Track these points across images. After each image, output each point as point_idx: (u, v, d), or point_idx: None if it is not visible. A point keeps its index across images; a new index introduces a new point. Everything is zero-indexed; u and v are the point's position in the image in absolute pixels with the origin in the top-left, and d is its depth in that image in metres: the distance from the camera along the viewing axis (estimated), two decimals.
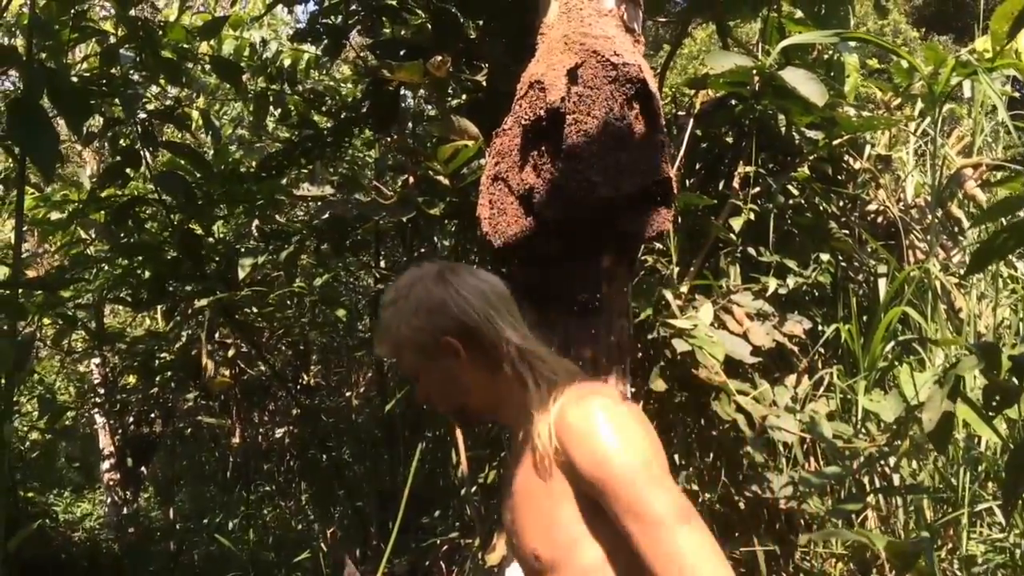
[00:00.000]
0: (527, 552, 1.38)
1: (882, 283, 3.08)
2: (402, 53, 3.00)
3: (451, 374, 1.42)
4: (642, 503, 1.22)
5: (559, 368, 1.40)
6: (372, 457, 4.39)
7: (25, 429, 4.89)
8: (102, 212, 3.57)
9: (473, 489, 3.00)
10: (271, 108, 4.09)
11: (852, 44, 3.12)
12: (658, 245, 2.82)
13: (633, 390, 2.45)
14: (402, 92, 3.32)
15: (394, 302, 1.42)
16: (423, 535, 3.41)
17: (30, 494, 4.55)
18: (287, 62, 4.21)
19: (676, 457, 2.92)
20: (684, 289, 2.74)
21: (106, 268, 3.84)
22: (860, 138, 3.26)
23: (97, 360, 5.01)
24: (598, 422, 1.28)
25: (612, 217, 2.03)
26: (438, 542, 3.30)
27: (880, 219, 3.36)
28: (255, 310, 3.84)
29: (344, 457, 4.59)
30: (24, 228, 3.08)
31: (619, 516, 1.24)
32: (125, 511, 4.81)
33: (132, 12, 3.04)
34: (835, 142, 3.08)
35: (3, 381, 2.74)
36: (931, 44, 3.08)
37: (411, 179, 2.91)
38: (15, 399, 3.57)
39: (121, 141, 3.51)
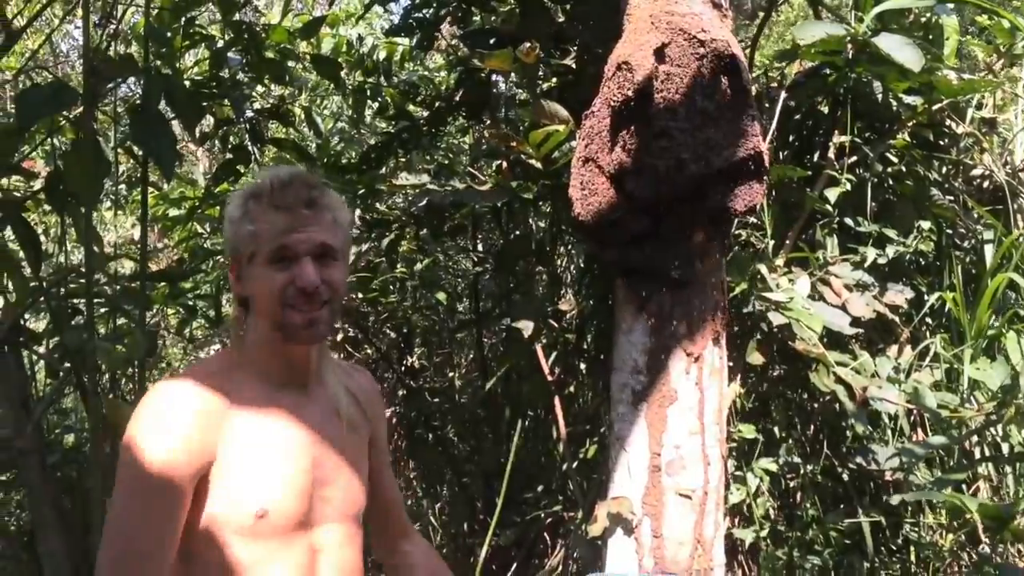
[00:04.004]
0: (357, 509, 1.52)
1: (988, 249, 2.99)
2: (492, 41, 3.07)
3: (345, 274, 1.46)
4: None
5: None
6: (476, 435, 4.51)
7: None
8: (217, 207, 3.78)
9: (574, 464, 3.07)
10: (369, 101, 4.24)
11: (951, 5, 3.02)
12: (752, 219, 2.81)
13: (730, 364, 2.47)
14: (493, 79, 3.40)
15: (325, 187, 1.43)
16: (527, 509, 3.50)
17: None
18: (382, 55, 4.35)
19: (776, 430, 2.92)
20: (780, 262, 2.74)
21: (221, 260, 4.07)
22: (962, 102, 3.15)
23: (217, 346, 5.31)
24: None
25: (704, 193, 2.06)
26: (542, 515, 3.39)
27: (986, 184, 3.25)
28: (360, 295, 4.00)
29: (449, 436, 4.73)
30: (147, 224, 3.30)
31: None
32: None
33: (236, 17, 3.21)
34: (935, 107, 3.00)
35: (135, 368, 2.97)
36: None
37: (504, 164, 2.98)
38: (145, 385, 3.83)
39: (231, 139, 3.70)
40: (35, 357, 2.97)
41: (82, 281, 2.69)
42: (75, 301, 2.85)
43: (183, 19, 3.11)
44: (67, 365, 2.67)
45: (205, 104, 3.16)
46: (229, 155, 3.52)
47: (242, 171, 3.57)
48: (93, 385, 2.54)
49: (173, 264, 4.50)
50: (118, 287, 2.89)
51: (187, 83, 3.10)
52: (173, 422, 1.27)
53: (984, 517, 1.84)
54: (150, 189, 4.16)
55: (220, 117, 3.62)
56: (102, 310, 3.00)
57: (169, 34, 3.06)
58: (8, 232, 2.70)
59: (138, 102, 2.66)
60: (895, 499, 2.32)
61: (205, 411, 1.30)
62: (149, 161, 2.78)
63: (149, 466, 1.24)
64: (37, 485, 2.48)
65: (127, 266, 4.74)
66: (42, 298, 2.72)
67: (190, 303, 3.80)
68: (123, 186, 4.84)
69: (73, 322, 2.76)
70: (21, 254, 2.68)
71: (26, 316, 2.78)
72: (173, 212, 4.27)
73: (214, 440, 1.30)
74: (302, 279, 1.34)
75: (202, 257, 3.92)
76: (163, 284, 3.39)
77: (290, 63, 3.58)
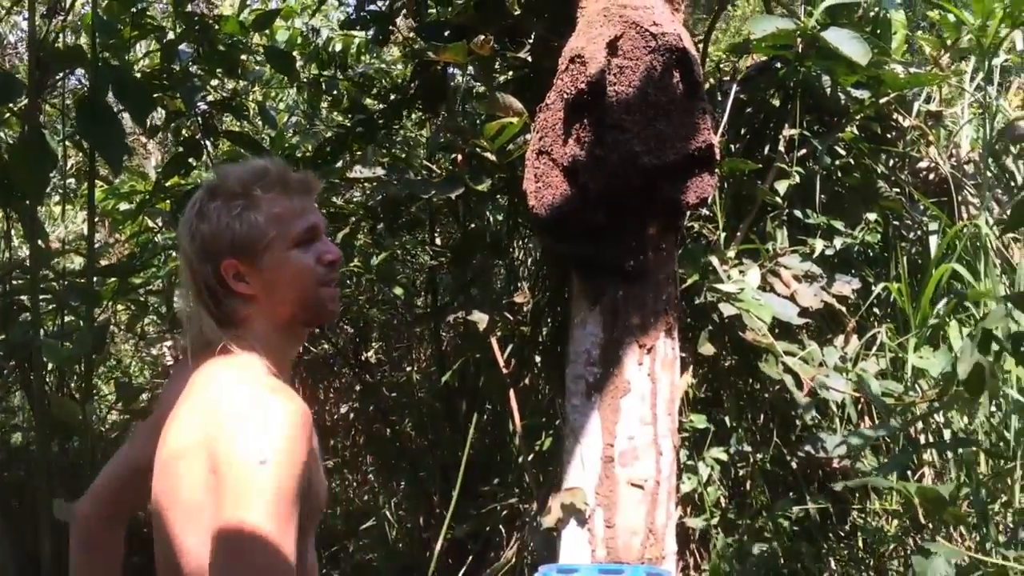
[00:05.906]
0: None
1: (933, 240, 3.07)
2: (447, 34, 3.07)
3: None
4: None
5: None
6: (433, 429, 4.50)
7: (104, 411, 5.12)
8: (167, 201, 3.72)
9: (530, 456, 3.08)
10: (324, 94, 4.20)
11: (898, 0, 3.09)
12: (704, 211, 2.85)
13: (683, 355, 2.50)
14: (450, 72, 3.39)
15: None
16: (483, 502, 3.51)
17: None
18: (338, 48, 4.31)
19: (727, 419, 2.96)
20: (731, 254, 2.77)
21: (174, 255, 4.00)
22: (909, 95, 3.22)
23: (169, 343, 5.22)
24: None
25: (656, 186, 2.08)
26: (498, 508, 3.40)
27: (931, 176, 3.33)
28: None
29: (407, 430, 4.72)
30: (95, 219, 3.24)
31: None
32: None
33: (188, 8, 3.17)
34: (882, 100, 3.06)
35: (83, 366, 2.91)
36: None
37: (460, 157, 2.98)
38: (94, 382, 3.76)
39: (183, 132, 3.65)
40: None
41: (28, 277, 2.64)
42: (21, 297, 2.80)
43: (133, 10, 3.06)
44: (12, 363, 2.62)
45: (155, 96, 3.11)
46: (181, 148, 3.47)
47: (194, 164, 3.52)
48: (40, 383, 2.49)
49: (123, 259, 4.42)
50: (65, 283, 2.84)
51: (137, 75, 3.06)
52: (303, 434, 1.20)
53: (924, 500, 1.89)
54: (101, 183, 4.09)
55: (171, 110, 3.57)
56: (49, 307, 2.94)
57: (119, 25, 3.01)
58: None
59: (86, 94, 2.61)
60: (839, 485, 2.37)
61: (309, 420, 1.25)
62: (96, 154, 2.73)
63: (294, 479, 1.17)
64: None
65: (77, 261, 4.65)
66: None
67: (141, 299, 3.73)
68: (72, 180, 4.74)
69: (20, 319, 2.71)
70: None
71: None
72: (123, 206, 4.19)
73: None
74: (333, 252, 1.37)
75: (153, 251, 3.86)
76: (112, 280, 3.33)
77: (243, 56, 3.54)
